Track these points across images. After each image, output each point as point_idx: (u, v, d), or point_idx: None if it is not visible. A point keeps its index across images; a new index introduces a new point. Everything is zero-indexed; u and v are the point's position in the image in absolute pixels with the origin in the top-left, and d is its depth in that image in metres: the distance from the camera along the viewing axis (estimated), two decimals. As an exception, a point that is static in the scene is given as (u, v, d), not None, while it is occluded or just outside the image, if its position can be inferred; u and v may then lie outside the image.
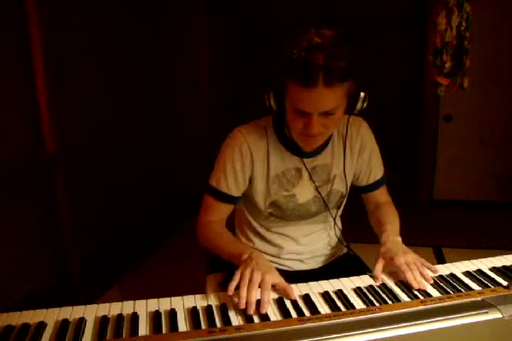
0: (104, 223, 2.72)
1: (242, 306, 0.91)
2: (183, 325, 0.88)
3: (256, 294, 0.94)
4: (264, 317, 0.90)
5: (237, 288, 0.97)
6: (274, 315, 0.91)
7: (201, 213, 1.27)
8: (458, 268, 1.12)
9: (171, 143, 3.44)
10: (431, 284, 1.03)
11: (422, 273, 1.04)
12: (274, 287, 1.00)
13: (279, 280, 1.01)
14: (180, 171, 3.49)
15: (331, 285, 1.04)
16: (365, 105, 1.09)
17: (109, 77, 2.74)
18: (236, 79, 3.78)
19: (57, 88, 2.23)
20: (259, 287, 0.96)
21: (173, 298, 0.98)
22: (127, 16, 2.94)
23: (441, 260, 2.73)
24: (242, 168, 1.21)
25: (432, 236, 3.08)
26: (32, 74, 2.13)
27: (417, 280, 1.01)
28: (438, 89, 2.98)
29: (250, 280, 0.96)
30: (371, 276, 1.09)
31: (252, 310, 0.90)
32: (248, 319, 0.90)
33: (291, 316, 0.90)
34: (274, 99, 1.09)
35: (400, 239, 1.18)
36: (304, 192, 1.26)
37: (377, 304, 0.94)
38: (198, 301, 0.98)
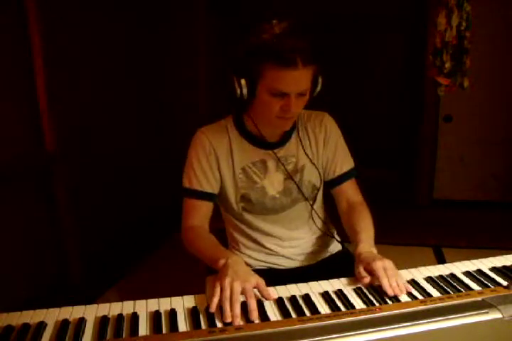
0: (104, 223, 2.73)
1: (229, 319, 0.89)
2: (183, 325, 0.88)
3: (239, 306, 0.92)
4: (264, 317, 0.90)
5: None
6: (274, 315, 0.91)
7: (183, 218, 1.28)
8: (458, 268, 1.12)
9: (170, 143, 3.44)
10: (431, 284, 1.03)
11: (398, 281, 1.00)
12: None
13: (257, 282, 0.99)
14: (181, 171, 3.49)
15: (331, 285, 1.04)
16: (319, 88, 1.17)
17: (109, 77, 2.74)
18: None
19: (57, 88, 2.24)
20: (242, 294, 0.95)
21: (173, 298, 0.98)
22: (127, 16, 2.94)
23: (441, 260, 2.73)
24: (209, 164, 1.25)
25: (432, 236, 3.07)
26: (32, 74, 2.13)
27: (392, 287, 0.98)
28: (438, 89, 2.98)
29: (231, 293, 0.94)
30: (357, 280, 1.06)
31: (237, 322, 0.88)
32: (248, 319, 0.89)
33: (291, 316, 0.90)
34: (246, 85, 1.12)
35: (375, 250, 1.15)
36: (273, 184, 1.28)
37: (377, 304, 0.94)
38: (198, 301, 0.98)
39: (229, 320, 0.89)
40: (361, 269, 1.05)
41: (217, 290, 0.96)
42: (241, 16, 3.68)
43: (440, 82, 2.91)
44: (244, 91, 1.12)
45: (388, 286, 0.98)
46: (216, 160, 1.26)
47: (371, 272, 1.03)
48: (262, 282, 0.99)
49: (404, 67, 3.66)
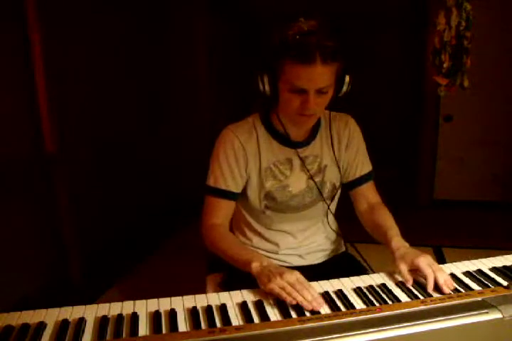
0: (104, 223, 2.73)
1: (310, 307, 0.91)
2: (183, 325, 0.88)
3: (310, 290, 0.95)
4: (264, 317, 0.89)
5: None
6: (274, 315, 0.91)
7: (204, 215, 1.27)
8: (458, 268, 1.12)
9: (170, 143, 3.44)
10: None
11: (444, 277, 1.01)
12: None
13: (296, 276, 1.01)
14: (181, 171, 3.49)
15: (331, 285, 1.04)
16: (349, 88, 1.16)
17: (109, 77, 2.75)
18: (236, 78, 3.78)
19: (58, 88, 2.24)
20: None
21: (173, 298, 0.98)
22: (127, 17, 2.94)
23: (441, 260, 2.73)
24: (237, 163, 1.24)
25: (432, 236, 3.08)
26: (32, 74, 2.13)
27: (440, 285, 0.99)
28: (438, 89, 2.97)
29: (292, 285, 0.96)
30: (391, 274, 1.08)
31: (321, 306, 0.92)
32: (248, 319, 0.89)
33: (291, 316, 0.90)
34: (268, 81, 1.12)
35: (407, 244, 1.17)
36: (297, 183, 1.28)
37: (377, 304, 0.94)
38: (198, 301, 0.98)
39: (310, 307, 0.91)
40: (405, 269, 1.05)
41: (280, 291, 0.96)
42: (241, 16, 3.68)
43: (438, 81, 2.91)
44: (267, 87, 1.13)
45: (432, 285, 0.99)
46: (245, 158, 1.25)
47: (415, 269, 1.05)
48: (300, 275, 1.01)
49: (404, 67, 3.66)
